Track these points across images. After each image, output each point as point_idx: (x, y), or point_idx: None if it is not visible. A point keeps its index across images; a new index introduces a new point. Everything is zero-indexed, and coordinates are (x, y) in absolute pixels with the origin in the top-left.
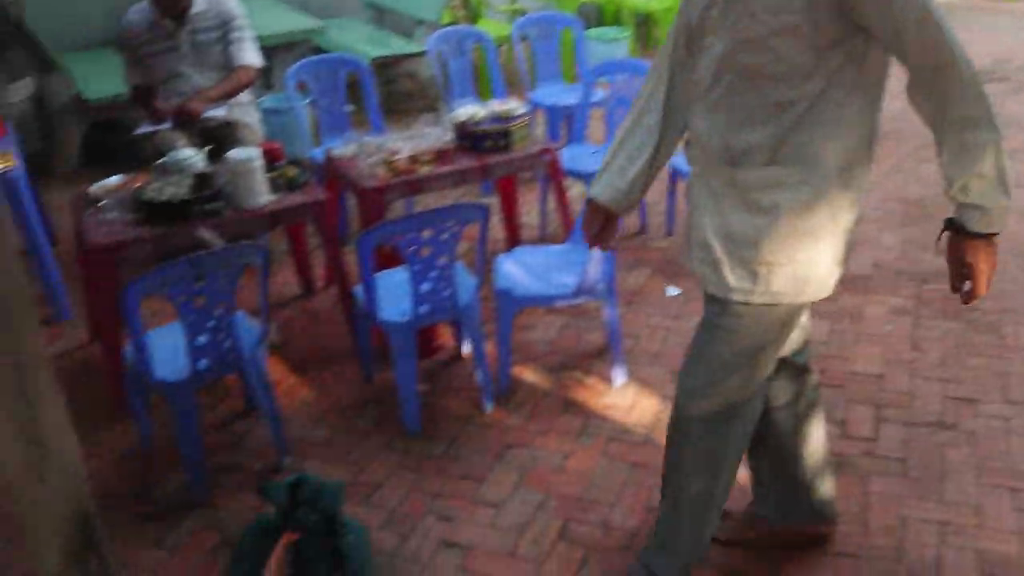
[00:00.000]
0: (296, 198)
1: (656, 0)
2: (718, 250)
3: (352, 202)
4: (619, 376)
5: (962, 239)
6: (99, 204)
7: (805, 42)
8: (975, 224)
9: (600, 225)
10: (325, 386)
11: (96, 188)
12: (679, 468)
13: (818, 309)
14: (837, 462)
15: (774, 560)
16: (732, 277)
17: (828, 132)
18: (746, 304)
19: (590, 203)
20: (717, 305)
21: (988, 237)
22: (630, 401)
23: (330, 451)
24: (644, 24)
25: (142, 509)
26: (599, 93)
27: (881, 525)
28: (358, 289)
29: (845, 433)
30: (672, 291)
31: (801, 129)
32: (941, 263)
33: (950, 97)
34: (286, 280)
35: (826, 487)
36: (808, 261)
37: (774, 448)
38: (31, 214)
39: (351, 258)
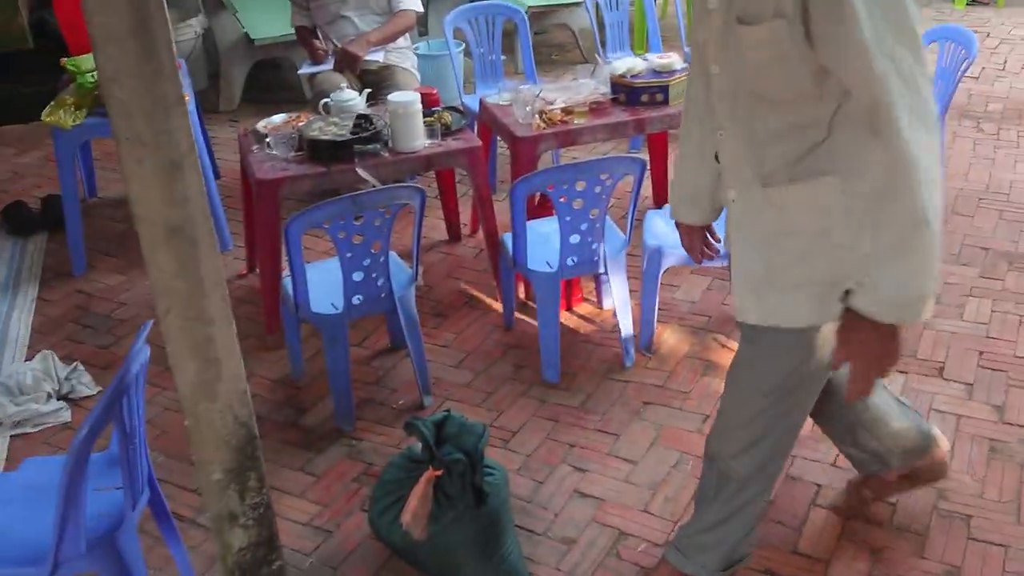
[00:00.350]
0: (451, 144)
1: None
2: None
3: (501, 150)
4: None
5: (851, 315)
6: (265, 140)
7: (800, 70)
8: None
9: (700, 240)
10: (467, 331)
11: (262, 125)
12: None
13: (979, 288)
14: (991, 447)
15: (918, 543)
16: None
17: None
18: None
19: (679, 226)
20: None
21: (877, 324)
22: None
23: (470, 394)
24: None
25: (291, 435)
26: None
27: None
28: (507, 237)
29: (1003, 418)
30: None
31: (823, 148)
32: None
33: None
34: (432, 225)
35: (909, 415)
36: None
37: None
38: (200, 148)
39: (500, 205)
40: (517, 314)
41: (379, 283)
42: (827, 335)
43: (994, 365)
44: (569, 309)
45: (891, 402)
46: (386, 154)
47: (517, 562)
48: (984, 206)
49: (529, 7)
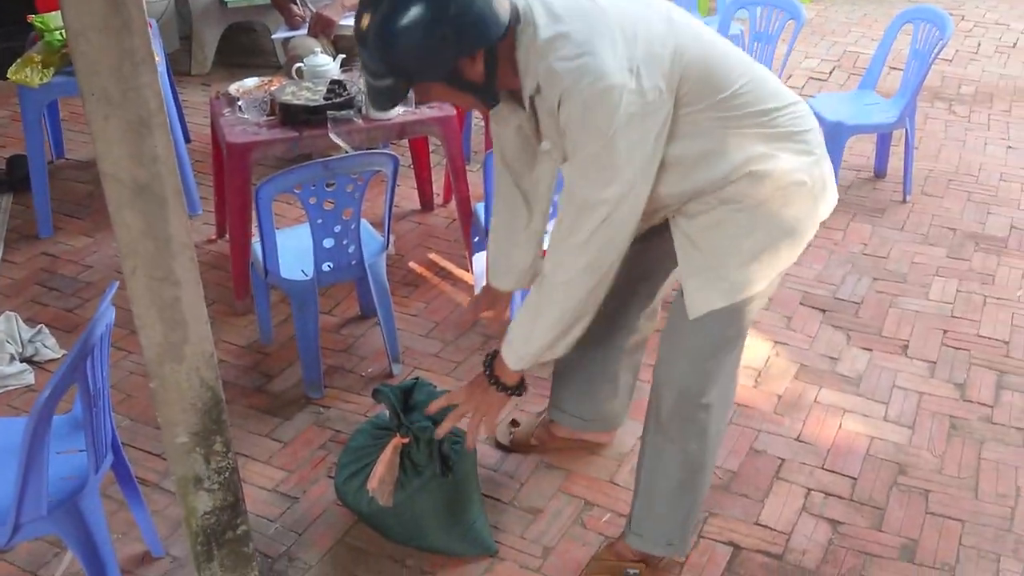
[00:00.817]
0: (426, 112)
1: None
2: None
3: (476, 120)
4: None
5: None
6: (237, 104)
7: None
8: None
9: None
10: (437, 300)
11: (234, 88)
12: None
13: (945, 268)
14: (951, 424)
15: (877, 517)
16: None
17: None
18: None
19: (488, 288)
20: None
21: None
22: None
23: (439, 363)
24: None
25: (259, 401)
26: (736, 27)
27: (993, 492)
28: (479, 207)
29: (964, 396)
30: None
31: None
32: None
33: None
34: (405, 194)
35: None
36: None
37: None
38: (171, 110)
39: (472, 176)
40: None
41: (350, 250)
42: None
43: (957, 344)
44: None
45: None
46: (359, 120)
47: (483, 530)
48: (953, 187)
49: None
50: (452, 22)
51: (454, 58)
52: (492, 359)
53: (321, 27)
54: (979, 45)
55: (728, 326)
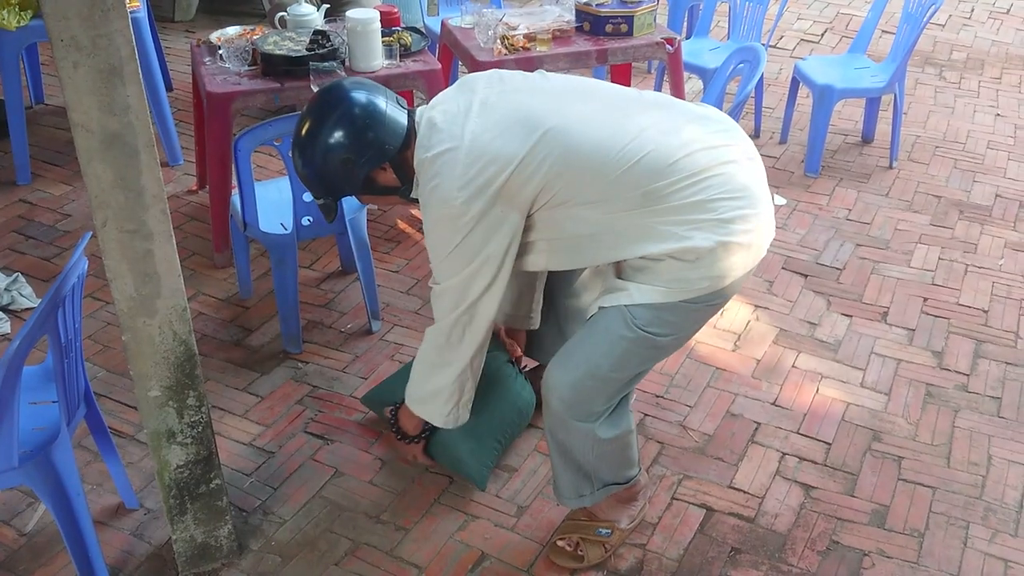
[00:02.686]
0: (410, 65)
1: None
2: None
3: (462, 73)
4: None
5: None
6: (218, 52)
7: None
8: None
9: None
10: (418, 257)
11: (215, 36)
12: None
13: (928, 235)
14: (927, 392)
15: (849, 482)
16: None
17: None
18: None
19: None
20: None
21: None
22: None
23: (419, 320)
24: None
25: (236, 355)
26: None
27: (965, 460)
28: None
29: (941, 364)
30: (779, 200)
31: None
32: None
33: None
34: None
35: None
36: None
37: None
38: (150, 56)
39: None
40: None
41: None
42: None
43: (937, 312)
44: None
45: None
46: (342, 72)
47: (484, 462)
48: (940, 154)
49: None
50: (352, 149)
51: (365, 174)
52: (396, 411)
53: None
54: (972, 10)
55: (628, 329)
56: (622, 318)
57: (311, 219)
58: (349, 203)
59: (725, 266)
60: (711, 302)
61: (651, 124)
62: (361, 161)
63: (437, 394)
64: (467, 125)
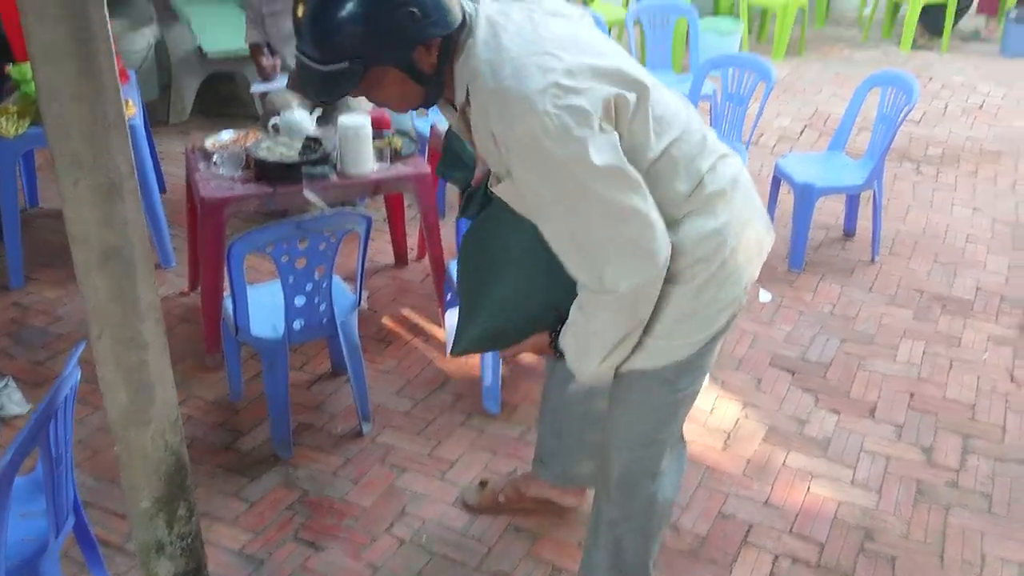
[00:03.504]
0: (400, 169)
1: None
2: None
3: None
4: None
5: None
6: (212, 158)
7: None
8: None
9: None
10: (409, 357)
11: (210, 142)
12: None
13: (912, 330)
14: (918, 489)
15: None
16: None
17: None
18: None
19: None
20: None
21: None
22: (710, 404)
23: (409, 422)
24: (760, 18)
25: (226, 459)
26: (708, 86)
27: (958, 559)
28: (452, 264)
29: (930, 460)
30: (765, 296)
31: None
32: None
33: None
34: (379, 249)
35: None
36: None
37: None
38: (145, 161)
39: (447, 232)
40: None
41: (321, 308)
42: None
43: (924, 407)
44: None
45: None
46: (334, 177)
47: (467, 331)
48: (920, 248)
49: None
50: (419, 2)
51: (415, 42)
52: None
53: None
54: (946, 107)
55: (659, 391)
56: (658, 381)
57: (302, 323)
58: (340, 306)
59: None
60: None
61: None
62: (425, 21)
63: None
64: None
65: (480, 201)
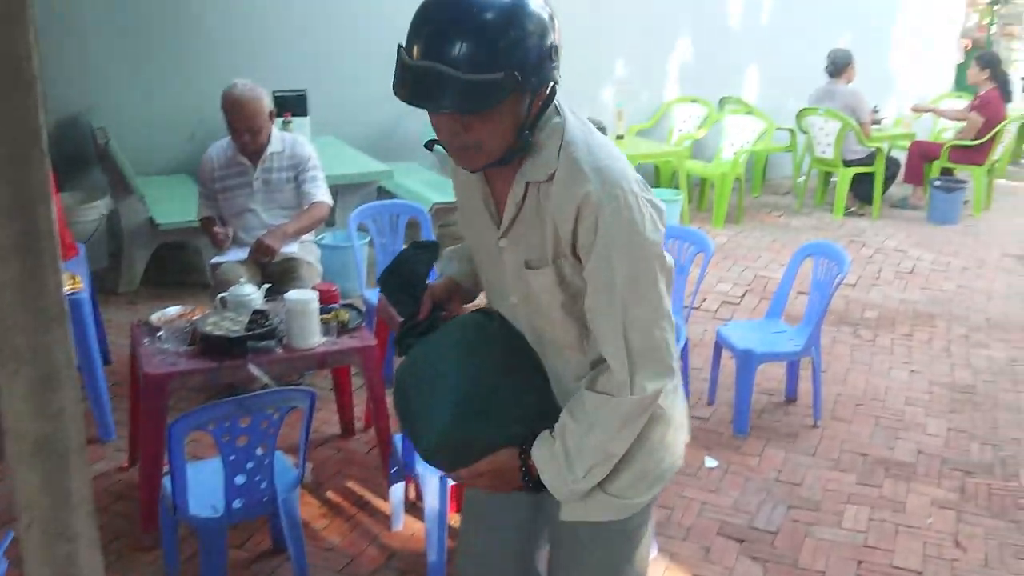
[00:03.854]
0: (346, 342)
1: (714, 165)
2: None
3: None
4: (653, 549)
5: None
6: (157, 333)
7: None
8: (538, 455)
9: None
10: (353, 532)
11: (156, 317)
12: None
13: (857, 495)
14: None
15: None
16: None
17: None
18: None
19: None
20: None
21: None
22: None
23: None
24: (700, 187)
25: None
26: None
27: None
28: (398, 436)
29: None
30: (711, 463)
31: None
32: (988, 455)
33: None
34: (326, 419)
35: None
36: None
37: None
38: (89, 334)
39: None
40: (406, 515)
41: (262, 486)
42: None
43: (872, 574)
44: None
45: None
46: (280, 351)
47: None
48: (861, 412)
49: (434, 203)
50: (553, 35)
51: (547, 78)
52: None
53: (261, 254)
54: (880, 271)
55: (618, 546)
56: (621, 534)
57: (242, 501)
58: (282, 483)
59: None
60: None
61: None
62: (557, 63)
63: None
64: None
65: (422, 331)
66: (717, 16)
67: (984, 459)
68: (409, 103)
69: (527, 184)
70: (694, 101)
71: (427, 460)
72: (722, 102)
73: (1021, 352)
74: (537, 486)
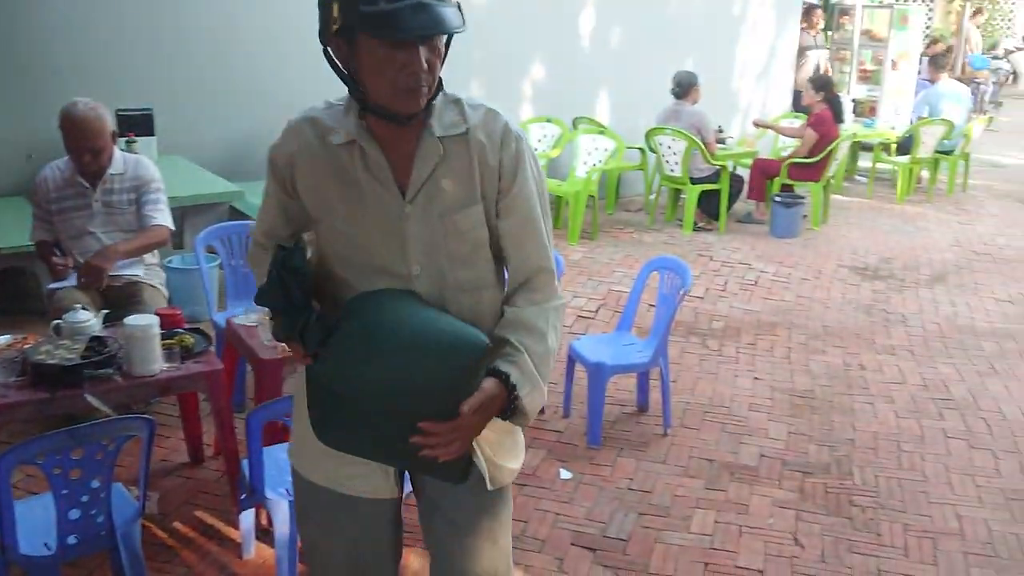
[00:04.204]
0: (191, 367)
1: (568, 183)
2: None
3: (250, 371)
4: None
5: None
6: None
7: (488, 256)
8: (516, 377)
9: None
10: (202, 563)
11: None
12: None
13: (704, 499)
14: None
15: None
16: None
17: None
18: None
19: None
20: None
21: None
22: None
23: None
24: (556, 205)
25: None
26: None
27: None
28: (245, 463)
29: None
30: (565, 474)
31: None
32: (824, 455)
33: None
34: (174, 446)
35: None
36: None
37: None
38: None
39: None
40: (257, 542)
41: (99, 520)
42: None
43: None
44: None
45: None
46: (119, 379)
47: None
48: (708, 419)
49: None
50: None
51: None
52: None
53: (90, 277)
54: (726, 283)
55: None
56: (502, 499)
57: (77, 537)
58: (121, 516)
59: None
60: None
61: None
62: None
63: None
64: None
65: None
66: (570, 39)
67: (821, 460)
68: (428, 33)
69: (441, 140)
70: (548, 121)
71: (436, 415)
72: (575, 122)
73: (855, 357)
74: (510, 411)
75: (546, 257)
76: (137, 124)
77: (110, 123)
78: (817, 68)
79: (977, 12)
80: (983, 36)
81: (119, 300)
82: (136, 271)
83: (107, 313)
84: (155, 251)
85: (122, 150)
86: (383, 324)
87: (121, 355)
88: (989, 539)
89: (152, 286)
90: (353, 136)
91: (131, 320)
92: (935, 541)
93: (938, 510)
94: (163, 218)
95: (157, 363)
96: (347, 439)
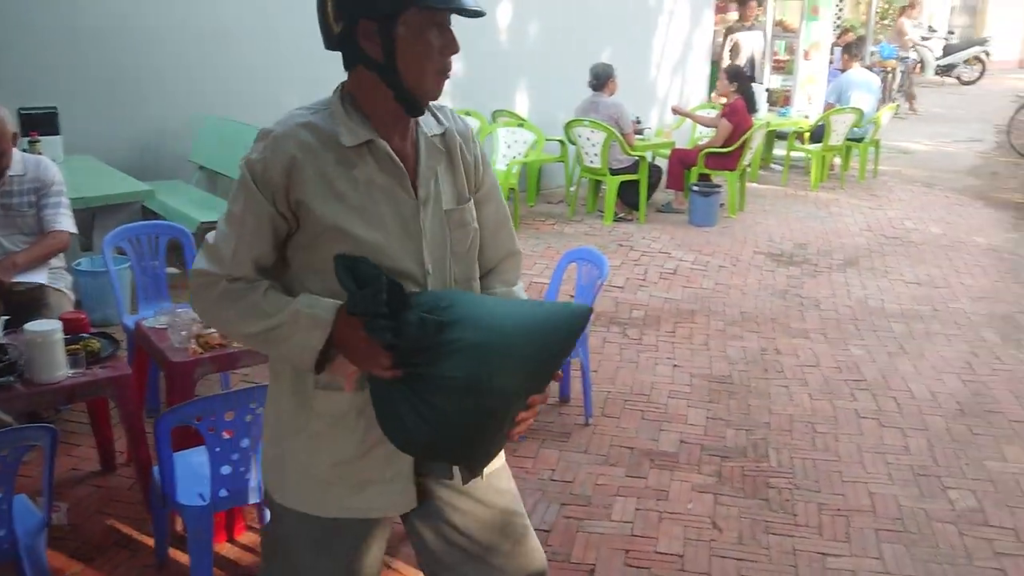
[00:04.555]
0: (98, 372)
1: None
2: None
3: (162, 375)
4: None
5: None
6: None
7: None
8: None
9: None
10: (116, 571)
11: None
12: None
13: (625, 487)
14: None
15: None
16: None
17: None
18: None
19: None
20: None
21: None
22: None
23: None
24: None
25: None
26: None
27: None
28: (156, 469)
29: None
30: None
31: None
32: (741, 439)
33: None
34: (85, 454)
35: None
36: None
37: None
38: None
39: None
40: (172, 548)
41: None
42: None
43: (638, 563)
44: (231, 540)
45: None
46: (20, 386)
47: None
48: (629, 407)
49: (201, 223)
50: None
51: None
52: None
53: None
54: (646, 272)
55: None
56: None
57: None
58: (23, 528)
59: None
60: None
61: None
62: None
63: None
64: None
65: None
66: (487, 32)
67: (738, 443)
68: (474, 13)
69: (432, 139)
70: (467, 114)
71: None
72: (495, 115)
73: (771, 342)
74: None
75: (515, 240)
76: (40, 123)
77: (11, 124)
78: (751, 57)
79: (910, 7)
80: (888, 26)
81: (23, 306)
82: (39, 277)
83: (8, 319)
84: (60, 254)
85: (23, 150)
86: (494, 317)
87: (22, 362)
88: (899, 515)
89: (57, 290)
90: (368, 136)
91: (31, 326)
92: (848, 519)
93: (851, 488)
94: (64, 222)
95: (61, 369)
96: (441, 442)
